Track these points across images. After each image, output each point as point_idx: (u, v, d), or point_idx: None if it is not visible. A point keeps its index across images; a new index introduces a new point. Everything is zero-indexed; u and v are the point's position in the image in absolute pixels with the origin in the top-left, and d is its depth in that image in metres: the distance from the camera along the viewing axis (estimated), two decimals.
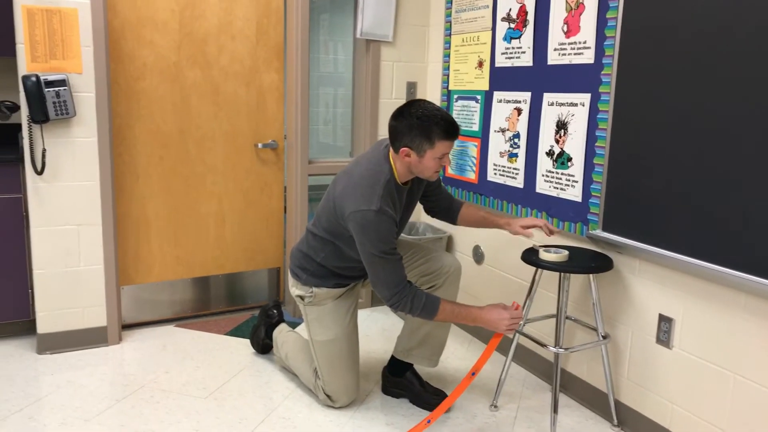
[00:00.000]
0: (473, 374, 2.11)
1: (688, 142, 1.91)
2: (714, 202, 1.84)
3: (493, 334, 2.16)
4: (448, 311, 2.07)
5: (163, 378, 2.52)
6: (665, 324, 2.08)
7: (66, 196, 2.64)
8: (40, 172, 2.56)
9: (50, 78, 2.48)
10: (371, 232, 1.99)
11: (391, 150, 2.10)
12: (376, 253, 2.00)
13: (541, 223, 2.22)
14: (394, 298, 2.03)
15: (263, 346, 2.76)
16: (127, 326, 3.02)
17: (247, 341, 2.91)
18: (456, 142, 3.07)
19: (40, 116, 2.48)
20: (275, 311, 2.78)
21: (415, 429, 2.14)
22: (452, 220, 2.43)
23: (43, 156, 2.56)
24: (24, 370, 2.55)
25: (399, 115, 2.03)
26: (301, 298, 2.31)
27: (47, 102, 2.48)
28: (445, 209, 2.42)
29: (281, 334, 2.64)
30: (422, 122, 1.98)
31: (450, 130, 2.00)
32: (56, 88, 2.49)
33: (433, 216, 2.46)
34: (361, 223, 1.99)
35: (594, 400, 2.39)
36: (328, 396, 2.32)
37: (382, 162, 2.10)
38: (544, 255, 2.14)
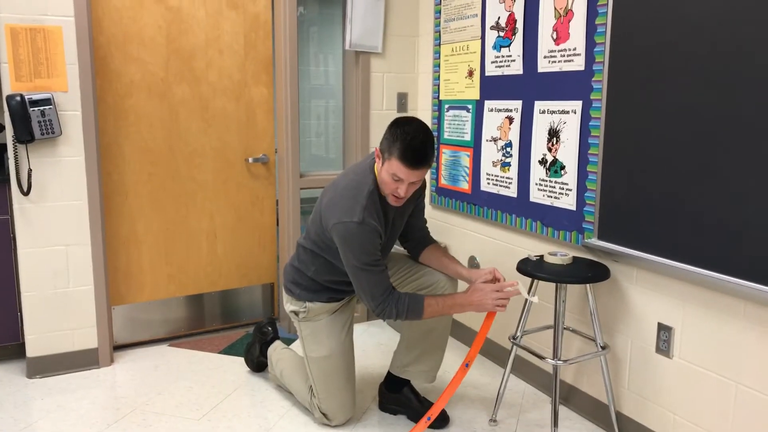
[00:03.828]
0: (467, 365, 2.09)
1: (683, 147, 1.88)
2: (711, 208, 1.81)
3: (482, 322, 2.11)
4: (434, 306, 2.04)
5: (156, 400, 2.47)
6: (665, 333, 2.05)
7: (54, 217, 2.60)
8: (26, 193, 2.52)
9: (35, 97, 2.45)
10: (354, 243, 1.97)
11: (377, 161, 2.07)
12: (359, 265, 1.99)
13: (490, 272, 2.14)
14: (379, 307, 2.02)
15: (258, 364, 2.71)
16: (119, 347, 2.97)
17: (242, 359, 2.86)
18: (448, 152, 3.04)
19: (25, 136, 2.44)
20: (269, 328, 2.73)
21: (416, 428, 2.12)
22: (414, 254, 2.35)
23: (29, 176, 2.52)
24: (13, 395, 2.50)
25: (393, 121, 2.03)
26: (296, 313, 2.28)
27: (32, 121, 2.45)
28: (414, 240, 2.34)
29: (276, 351, 2.60)
30: (395, 134, 1.95)
31: (407, 155, 1.91)
32: (41, 107, 2.46)
33: (400, 243, 2.38)
34: (344, 235, 1.98)
35: (595, 411, 2.35)
36: (324, 414, 2.27)
37: (366, 173, 2.08)
38: (549, 258, 2.16)
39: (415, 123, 1.98)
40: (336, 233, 2.00)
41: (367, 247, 1.98)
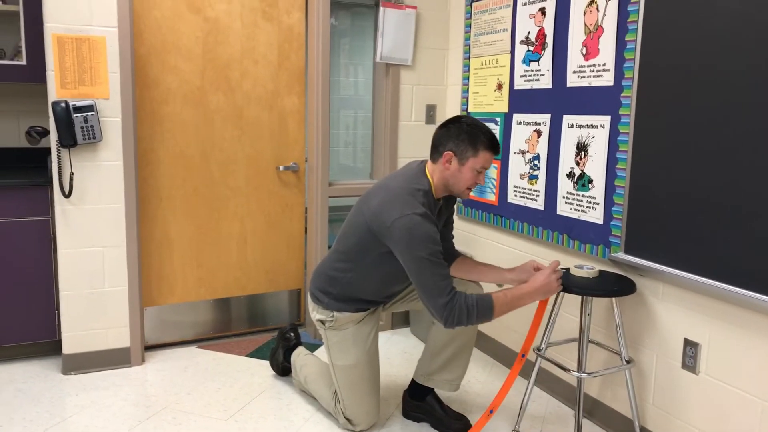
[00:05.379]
0: (523, 356, 2.17)
1: (711, 163, 1.89)
2: (740, 223, 1.81)
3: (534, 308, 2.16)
4: (502, 300, 2.01)
5: (185, 399, 2.54)
6: (691, 349, 2.04)
7: (92, 219, 2.69)
8: (67, 195, 2.62)
9: (79, 104, 2.55)
10: (420, 233, 1.97)
11: (428, 163, 2.16)
12: (426, 256, 1.95)
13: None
14: (447, 306, 1.94)
15: (283, 369, 2.76)
16: (150, 347, 3.05)
17: (268, 363, 2.92)
18: None
19: (68, 141, 2.54)
20: (292, 334, 2.78)
21: (480, 422, 2.19)
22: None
23: (71, 179, 2.62)
24: (49, 390, 2.58)
25: (448, 122, 2.13)
26: (322, 322, 2.31)
27: (75, 127, 2.55)
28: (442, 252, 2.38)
29: (299, 357, 2.65)
30: (471, 129, 2.08)
31: (494, 143, 2.11)
32: (84, 114, 2.56)
33: None
34: (409, 227, 1.97)
35: (619, 426, 2.34)
36: (348, 420, 2.31)
37: (420, 175, 2.14)
38: (575, 272, 2.16)
39: (470, 118, 2.14)
40: (400, 227, 1.97)
41: (433, 236, 1.99)
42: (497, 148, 2.12)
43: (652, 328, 2.19)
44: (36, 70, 2.82)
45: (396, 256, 2.04)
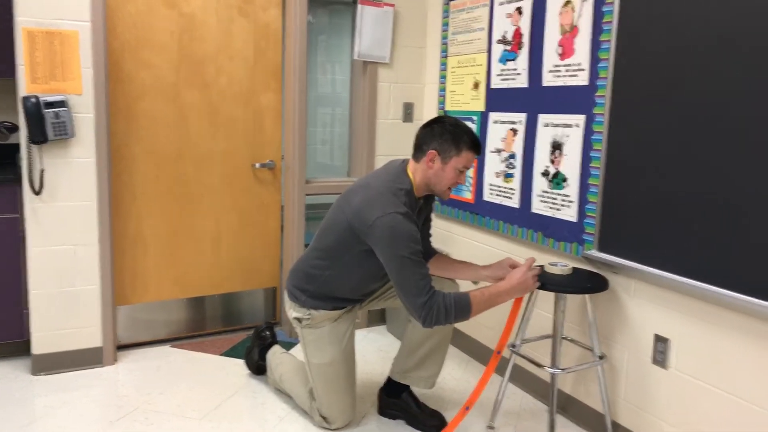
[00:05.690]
0: (498, 353, 2.18)
1: (684, 163, 1.92)
2: (710, 222, 1.85)
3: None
4: (479, 298, 2.02)
5: (158, 399, 2.51)
6: (661, 344, 2.08)
7: (63, 216, 2.64)
8: (38, 193, 2.57)
9: (50, 99, 2.50)
10: (402, 232, 1.97)
11: (410, 163, 2.17)
12: (406, 255, 1.96)
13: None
14: (426, 306, 1.95)
15: (258, 368, 2.74)
16: (123, 347, 3.00)
17: (243, 362, 2.90)
18: None
19: (39, 137, 2.49)
20: (268, 333, 2.76)
21: (456, 419, 2.20)
22: None
23: (41, 176, 2.56)
24: (18, 392, 2.53)
25: (432, 122, 2.15)
26: (299, 320, 2.30)
27: (46, 123, 2.50)
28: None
29: (275, 356, 2.63)
30: (455, 129, 2.10)
31: (477, 143, 2.13)
32: (56, 109, 2.51)
33: None
34: (391, 225, 1.97)
35: (591, 421, 2.38)
36: (324, 418, 2.30)
37: (401, 174, 2.15)
38: (550, 269, 2.18)
39: (453, 118, 2.17)
40: (382, 226, 1.98)
41: (414, 236, 2.00)
42: (479, 147, 2.14)
43: (623, 324, 2.23)
44: (6, 65, 2.76)
45: (376, 255, 2.04)
